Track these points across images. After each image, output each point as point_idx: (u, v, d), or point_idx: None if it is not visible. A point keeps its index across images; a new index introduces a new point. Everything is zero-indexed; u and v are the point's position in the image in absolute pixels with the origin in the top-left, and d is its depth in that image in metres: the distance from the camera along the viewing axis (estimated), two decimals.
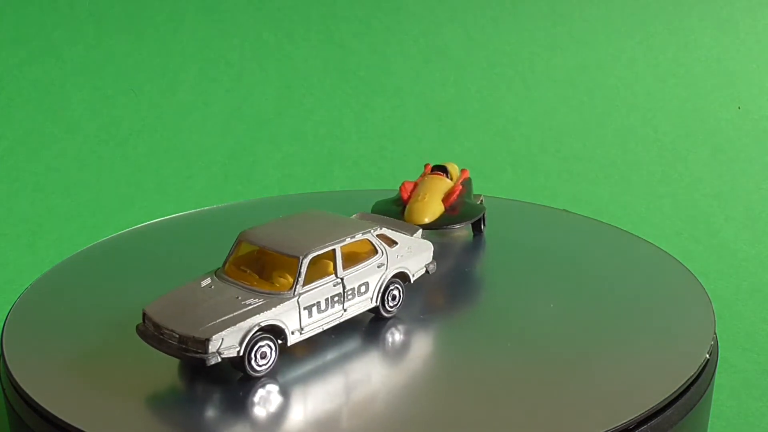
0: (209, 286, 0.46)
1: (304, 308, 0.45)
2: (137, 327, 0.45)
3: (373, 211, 0.61)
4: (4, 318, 0.52)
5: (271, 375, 0.45)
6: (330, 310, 0.47)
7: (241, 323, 0.43)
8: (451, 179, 0.64)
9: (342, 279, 0.47)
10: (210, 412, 0.42)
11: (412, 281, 0.51)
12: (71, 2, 1.10)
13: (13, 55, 1.07)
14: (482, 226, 0.64)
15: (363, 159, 1.08)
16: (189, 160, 1.06)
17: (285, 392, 0.44)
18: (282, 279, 0.46)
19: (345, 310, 0.47)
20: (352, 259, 0.48)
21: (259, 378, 0.44)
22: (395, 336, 0.49)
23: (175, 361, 0.46)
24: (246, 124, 1.10)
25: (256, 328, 0.43)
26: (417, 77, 1.15)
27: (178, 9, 1.12)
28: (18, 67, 1.07)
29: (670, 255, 0.61)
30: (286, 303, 0.44)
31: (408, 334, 0.49)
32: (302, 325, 0.45)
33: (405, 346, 0.49)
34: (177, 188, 1.02)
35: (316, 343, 0.48)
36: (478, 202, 0.64)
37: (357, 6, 1.16)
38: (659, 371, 0.46)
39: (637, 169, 1.09)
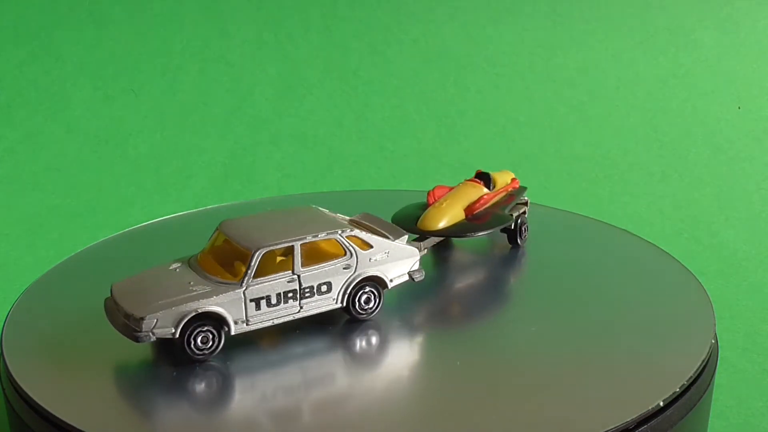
0: (175, 270, 0.48)
1: (251, 300, 0.46)
2: (105, 300, 0.47)
3: (396, 214, 0.60)
4: (4, 318, 0.52)
5: (246, 365, 0.46)
6: (282, 306, 0.47)
7: (178, 307, 0.44)
8: (494, 188, 0.61)
9: (299, 276, 0.47)
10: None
11: (389, 287, 0.51)
12: (71, 2, 1.10)
13: (13, 55, 1.07)
14: (519, 239, 0.61)
15: (363, 159, 1.08)
16: (189, 160, 1.06)
17: (250, 381, 0.45)
18: (240, 270, 0.47)
19: (301, 307, 0.47)
20: (317, 257, 0.48)
21: (202, 362, 0.45)
22: (363, 338, 0.49)
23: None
24: (246, 124, 1.10)
25: (193, 314, 0.44)
26: (417, 77, 1.15)
27: (178, 9, 1.12)
28: (18, 67, 1.07)
29: (670, 255, 0.61)
30: (231, 293, 0.45)
31: (379, 337, 0.49)
32: (248, 316, 0.46)
33: (373, 348, 0.48)
34: (177, 188, 1.02)
35: (281, 337, 0.48)
36: (514, 214, 0.60)
37: (357, 6, 1.16)
38: (659, 371, 0.46)
39: (637, 169, 1.08)
